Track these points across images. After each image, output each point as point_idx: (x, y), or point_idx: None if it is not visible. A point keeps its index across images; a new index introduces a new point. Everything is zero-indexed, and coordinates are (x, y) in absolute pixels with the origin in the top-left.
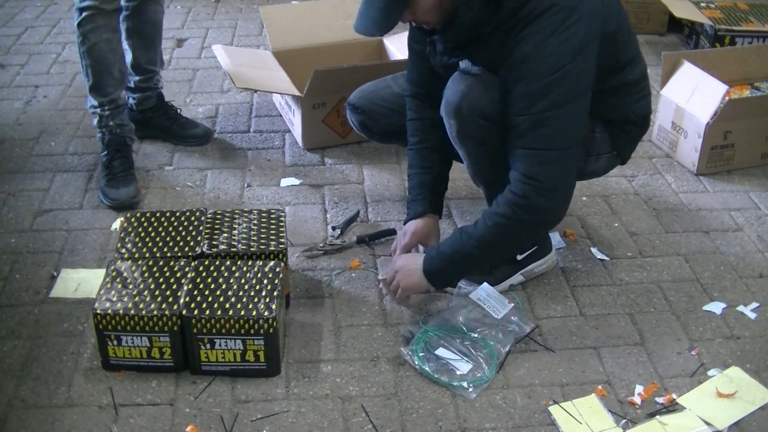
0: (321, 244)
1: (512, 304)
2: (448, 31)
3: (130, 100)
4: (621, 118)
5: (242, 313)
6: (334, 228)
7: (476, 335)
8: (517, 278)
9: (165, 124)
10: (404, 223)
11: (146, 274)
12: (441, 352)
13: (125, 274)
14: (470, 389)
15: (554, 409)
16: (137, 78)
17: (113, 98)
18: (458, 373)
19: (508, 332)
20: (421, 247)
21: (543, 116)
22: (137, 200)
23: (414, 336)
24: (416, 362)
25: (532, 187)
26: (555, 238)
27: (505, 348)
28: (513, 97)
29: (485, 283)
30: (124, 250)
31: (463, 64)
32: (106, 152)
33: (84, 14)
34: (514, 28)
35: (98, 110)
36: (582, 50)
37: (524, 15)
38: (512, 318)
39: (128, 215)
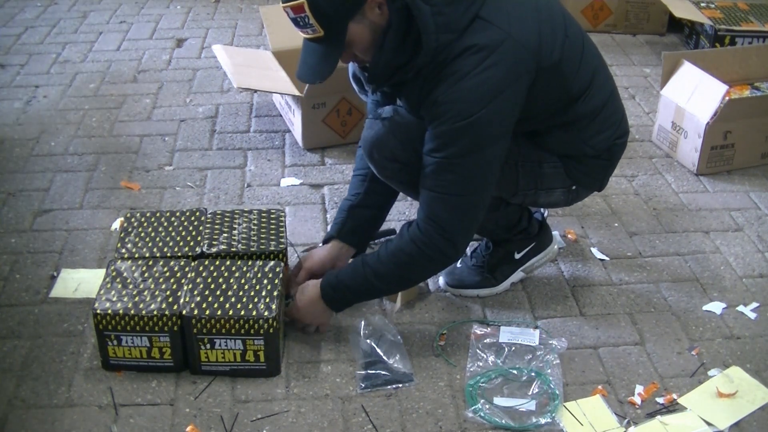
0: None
1: (537, 330)
2: (369, 75)
3: None
4: (576, 154)
5: (242, 313)
6: None
7: (526, 369)
8: (518, 275)
9: None
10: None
11: (146, 274)
12: (500, 401)
13: (125, 274)
14: (554, 418)
15: (558, 409)
16: None
17: None
18: (530, 411)
19: (550, 352)
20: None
21: (448, 162)
22: None
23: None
24: (487, 420)
25: (433, 228)
26: (555, 237)
27: (555, 363)
28: (427, 135)
29: (502, 327)
30: (124, 250)
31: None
32: None
33: None
34: (432, 72)
35: None
36: (500, 93)
37: (442, 59)
38: (544, 339)
39: (128, 215)
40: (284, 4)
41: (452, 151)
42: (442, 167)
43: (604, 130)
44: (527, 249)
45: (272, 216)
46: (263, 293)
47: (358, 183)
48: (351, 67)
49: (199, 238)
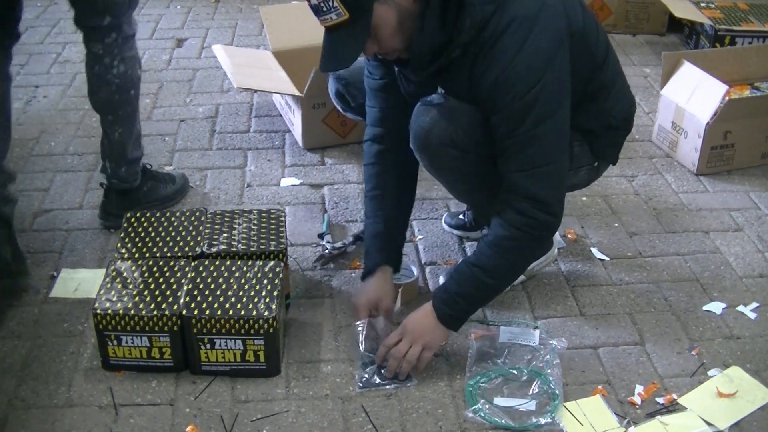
0: (327, 252)
1: (537, 330)
2: (411, 61)
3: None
4: (602, 126)
5: (242, 313)
6: (321, 236)
7: (526, 369)
8: (518, 278)
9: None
10: (362, 278)
11: (146, 274)
12: (500, 401)
13: (125, 274)
14: (554, 418)
15: (558, 409)
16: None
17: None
18: (530, 411)
19: (550, 352)
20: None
21: (529, 135)
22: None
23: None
24: (487, 420)
25: (535, 207)
26: (556, 239)
27: (555, 363)
28: (494, 122)
29: (502, 327)
30: (124, 250)
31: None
32: None
33: None
34: (481, 52)
35: None
36: (553, 58)
37: (487, 36)
38: (544, 339)
39: (128, 215)
40: None
41: (529, 124)
42: (523, 143)
43: (622, 99)
44: None
45: (272, 216)
46: (263, 293)
47: (381, 201)
48: (333, 85)
49: (199, 238)
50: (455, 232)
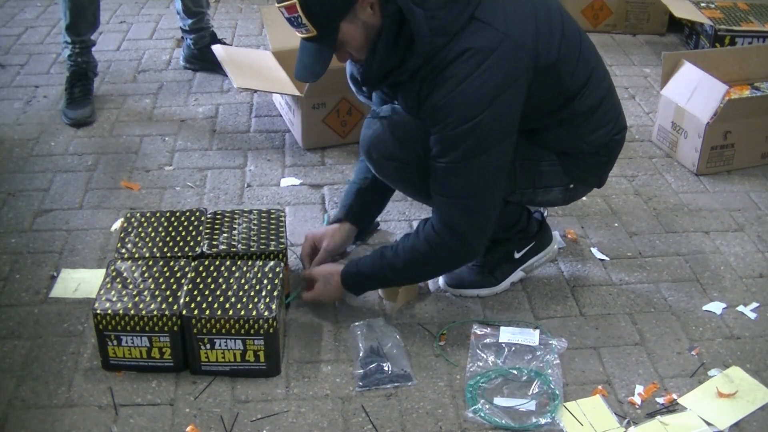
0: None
1: (537, 330)
2: (361, 77)
3: (188, 40)
4: (574, 150)
5: (242, 313)
6: None
7: (526, 369)
8: (518, 275)
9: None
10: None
11: (146, 274)
12: (500, 401)
13: (125, 274)
14: (554, 418)
15: (558, 409)
16: (190, 21)
17: (84, 39)
18: (530, 411)
19: (550, 352)
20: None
21: (456, 166)
22: (92, 119)
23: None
24: (487, 420)
25: (447, 231)
26: (555, 237)
27: (555, 363)
28: (431, 141)
29: (502, 327)
30: (124, 250)
31: (373, 104)
32: (69, 80)
33: None
34: (429, 75)
35: (70, 47)
36: (500, 95)
37: (438, 62)
38: (544, 339)
39: (128, 215)
40: (279, 5)
41: (457, 155)
42: (450, 172)
43: (602, 127)
44: (527, 248)
45: (272, 216)
46: (263, 293)
47: (366, 167)
48: (348, 67)
49: (199, 238)
50: None
